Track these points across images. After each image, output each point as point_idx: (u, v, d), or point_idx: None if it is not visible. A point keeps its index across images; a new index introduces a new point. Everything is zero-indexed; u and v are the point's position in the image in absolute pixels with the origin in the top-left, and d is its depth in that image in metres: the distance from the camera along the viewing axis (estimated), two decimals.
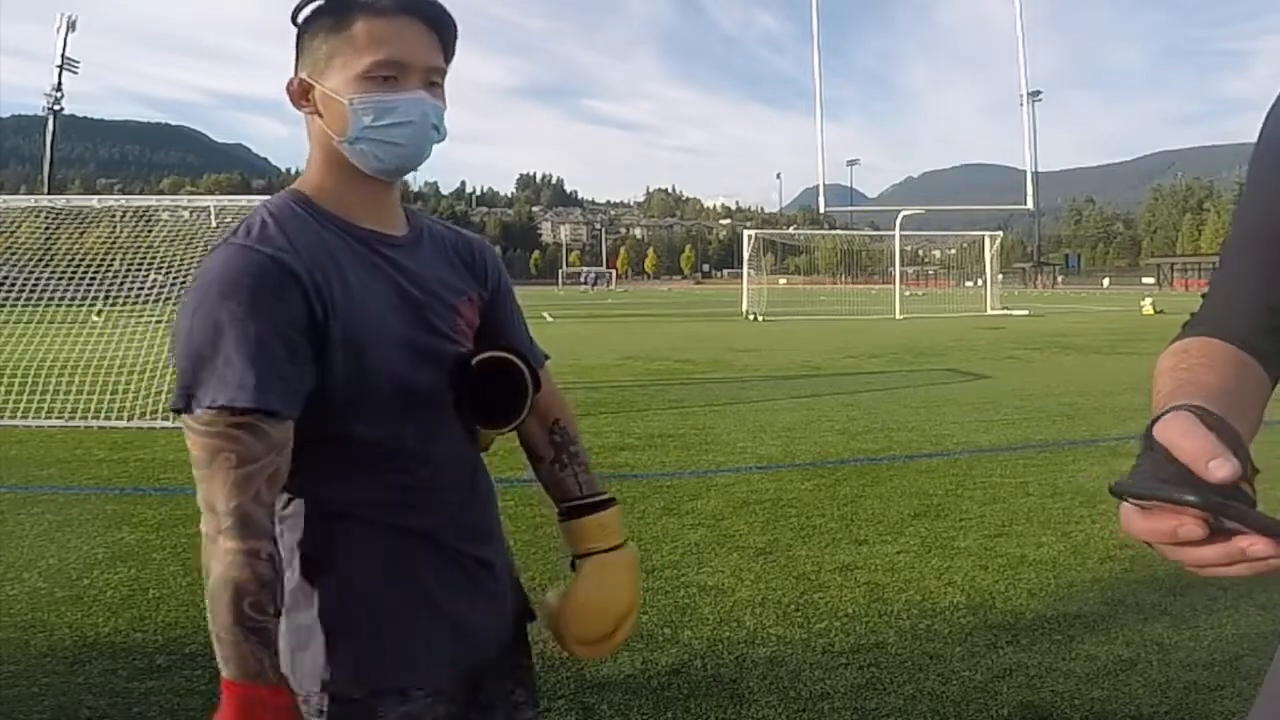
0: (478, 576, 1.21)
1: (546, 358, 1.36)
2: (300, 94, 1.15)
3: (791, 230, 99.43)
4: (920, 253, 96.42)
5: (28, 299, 10.05)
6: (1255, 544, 0.58)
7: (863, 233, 63.41)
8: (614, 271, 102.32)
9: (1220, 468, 0.58)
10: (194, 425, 0.99)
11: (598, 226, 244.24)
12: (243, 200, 10.34)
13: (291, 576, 1.09)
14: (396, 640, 1.12)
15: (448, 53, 1.16)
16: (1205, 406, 0.67)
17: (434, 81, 1.14)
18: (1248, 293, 0.89)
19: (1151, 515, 0.61)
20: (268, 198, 1.18)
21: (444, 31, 1.15)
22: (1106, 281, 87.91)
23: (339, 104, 1.10)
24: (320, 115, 1.13)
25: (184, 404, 0.99)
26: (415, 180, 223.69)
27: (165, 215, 12.27)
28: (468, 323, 1.23)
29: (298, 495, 1.11)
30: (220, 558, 0.98)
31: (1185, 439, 0.61)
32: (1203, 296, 0.95)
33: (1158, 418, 0.65)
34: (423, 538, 1.15)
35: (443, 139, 1.16)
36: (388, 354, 1.10)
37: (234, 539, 0.98)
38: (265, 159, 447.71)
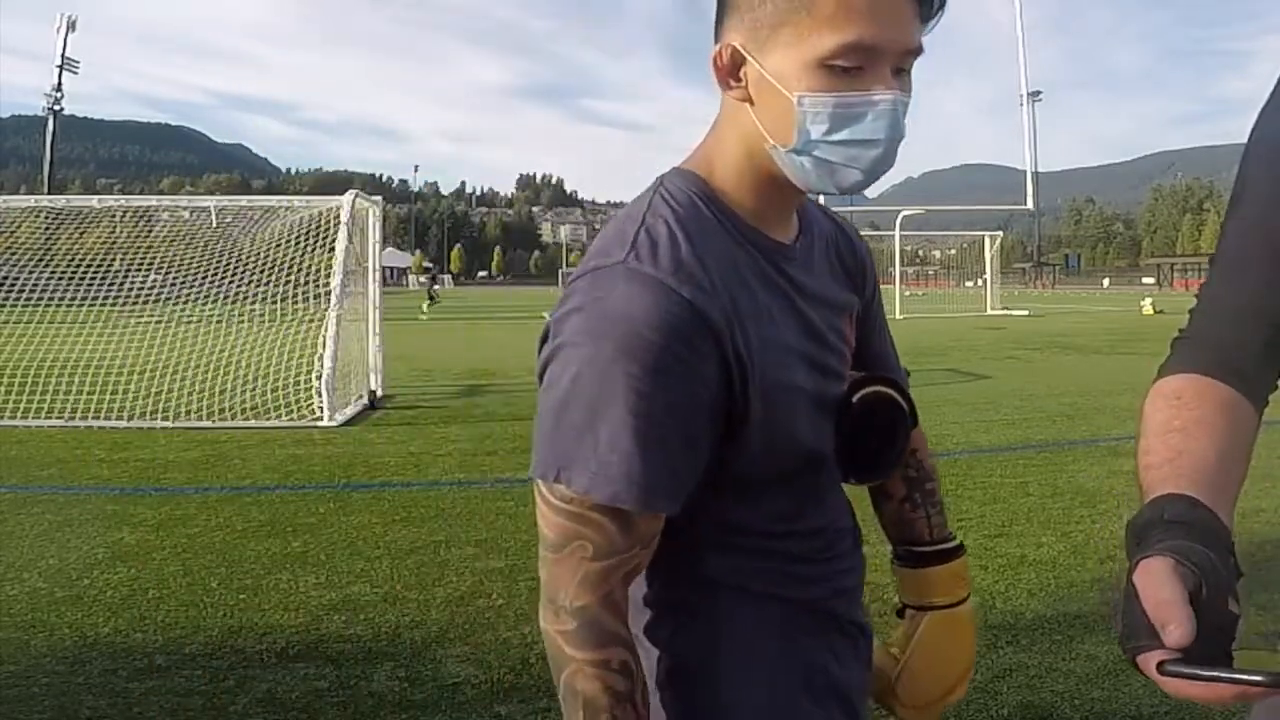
0: (858, 644, 1.04)
1: (908, 374, 1.12)
2: (729, 69, 0.83)
3: None
4: (920, 253, 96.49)
5: (28, 299, 10.05)
6: None
7: (863, 232, 63.19)
8: None
9: (1171, 635, 0.63)
10: (551, 500, 0.80)
11: (598, 226, 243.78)
12: (243, 200, 10.36)
13: (664, 670, 0.93)
14: None
15: (928, 21, 0.82)
16: (1195, 498, 0.71)
17: (904, 69, 0.82)
18: (1241, 307, 0.87)
19: (1209, 685, 0.64)
20: (665, 180, 0.90)
21: None
22: (1106, 281, 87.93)
23: (783, 99, 0.80)
24: (751, 103, 0.83)
25: (550, 475, 0.80)
26: (415, 181, 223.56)
27: (165, 215, 12.29)
28: (850, 349, 1.00)
29: (669, 578, 0.94)
30: (563, 664, 0.82)
31: (1151, 596, 0.65)
32: (1190, 312, 0.93)
33: (1142, 558, 0.68)
34: (819, 614, 0.98)
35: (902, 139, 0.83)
36: (795, 416, 0.89)
37: (578, 647, 0.81)
38: (265, 159, 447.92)
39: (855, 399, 0.96)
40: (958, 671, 1.10)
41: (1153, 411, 0.85)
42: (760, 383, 0.83)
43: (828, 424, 0.94)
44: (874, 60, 0.78)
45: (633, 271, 0.80)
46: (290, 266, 9.71)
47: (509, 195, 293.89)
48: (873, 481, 1.06)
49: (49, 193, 45.19)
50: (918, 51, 0.82)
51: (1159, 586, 0.65)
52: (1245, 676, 0.62)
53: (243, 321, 9.86)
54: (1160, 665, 0.65)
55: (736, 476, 0.89)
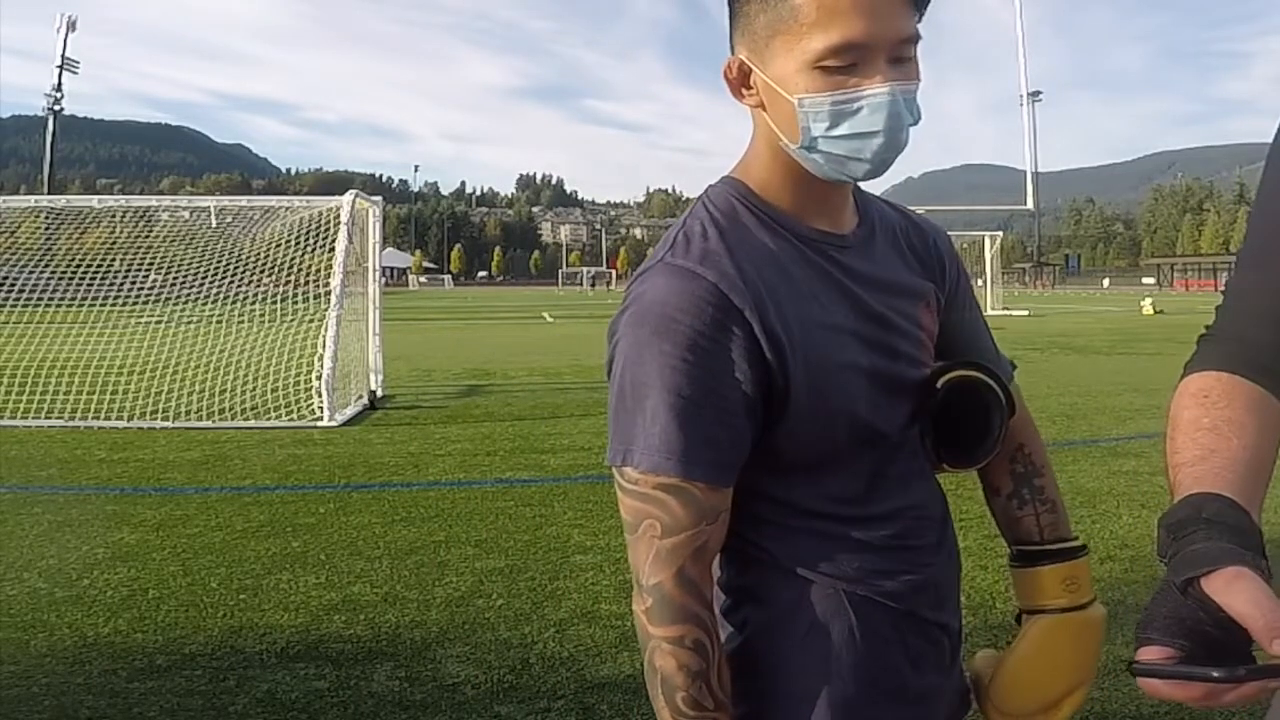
0: (941, 647, 1.01)
1: (1014, 366, 1.09)
2: (740, 81, 0.91)
3: None
4: None
5: (28, 299, 10.06)
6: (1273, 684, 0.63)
7: None
8: (614, 271, 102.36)
9: None
10: (622, 484, 0.87)
11: (598, 227, 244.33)
12: (243, 200, 10.36)
13: (734, 653, 0.94)
14: None
15: (921, 6, 0.86)
16: (1231, 498, 0.71)
17: (903, 57, 0.85)
18: (1267, 304, 0.87)
19: (1183, 685, 0.64)
20: (709, 189, 0.97)
21: None
22: (1106, 282, 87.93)
23: (787, 103, 0.86)
24: (765, 109, 0.90)
25: (618, 459, 0.88)
26: (415, 181, 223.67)
27: (165, 215, 12.31)
28: (928, 335, 1.01)
29: (739, 562, 0.96)
30: (645, 642, 0.87)
31: (1251, 610, 0.62)
32: (1217, 309, 0.92)
33: (1208, 570, 0.65)
34: (893, 610, 0.95)
35: (917, 123, 0.87)
36: (850, 392, 0.91)
37: (655, 623, 0.86)
38: (265, 159, 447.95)
39: (941, 383, 0.98)
40: (1062, 684, 0.99)
41: (1180, 409, 0.84)
42: (804, 359, 0.88)
43: (898, 404, 0.96)
44: (865, 55, 0.82)
45: (667, 265, 0.88)
46: (290, 266, 9.72)
47: (509, 195, 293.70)
48: (969, 467, 1.02)
49: (49, 193, 45.21)
50: (913, 39, 0.85)
51: (1257, 601, 0.63)
52: (1201, 671, 0.62)
53: (243, 321, 9.86)
54: (1130, 665, 0.64)
55: (793, 454, 0.92)
